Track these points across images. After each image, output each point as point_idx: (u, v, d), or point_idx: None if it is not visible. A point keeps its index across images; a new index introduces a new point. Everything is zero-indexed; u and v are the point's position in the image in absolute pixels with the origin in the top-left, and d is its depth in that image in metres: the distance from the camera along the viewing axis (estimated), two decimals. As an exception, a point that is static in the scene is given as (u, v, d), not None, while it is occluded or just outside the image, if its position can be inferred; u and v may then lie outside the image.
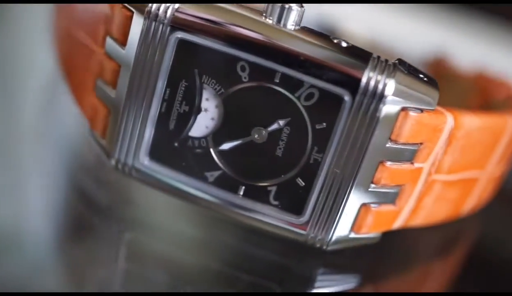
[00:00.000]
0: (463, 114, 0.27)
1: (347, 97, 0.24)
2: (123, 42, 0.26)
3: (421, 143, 0.25)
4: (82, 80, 0.29)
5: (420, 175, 0.26)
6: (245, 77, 0.25)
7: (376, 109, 0.24)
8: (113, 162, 0.27)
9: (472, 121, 0.27)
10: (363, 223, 0.26)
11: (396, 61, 0.25)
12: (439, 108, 0.25)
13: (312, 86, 0.24)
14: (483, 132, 0.28)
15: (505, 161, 0.32)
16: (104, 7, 0.27)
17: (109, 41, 0.27)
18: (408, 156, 0.26)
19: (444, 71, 0.42)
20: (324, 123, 0.25)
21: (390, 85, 0.24)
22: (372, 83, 0.24)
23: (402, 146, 0.25)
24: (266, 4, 0.25)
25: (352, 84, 0.24)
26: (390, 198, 0.26)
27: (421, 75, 0.25)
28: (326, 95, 0.24)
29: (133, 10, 0.25)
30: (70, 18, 0.30)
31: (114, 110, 0.26)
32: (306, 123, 0.25)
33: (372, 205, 0.26)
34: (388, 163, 0.25)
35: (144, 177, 0.27)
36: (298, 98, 0.25)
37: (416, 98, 0.25)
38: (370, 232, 0.27)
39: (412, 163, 0.26)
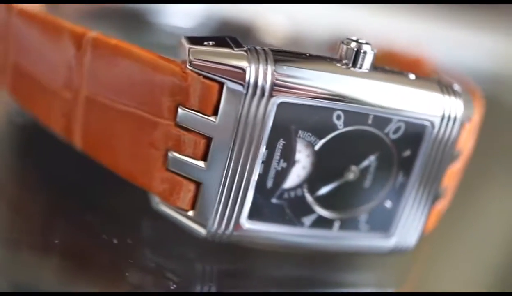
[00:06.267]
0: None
1: (429, 124, 0.27)
2: (210, 113, 0.25)
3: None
4: (139, 155, 0.27)
5: (457, 170, 0.31)
6: (340, 125, 0.26)
7: (452, 129, 0.27)
8: (207, 234, 0.26)
9: (476, 110, 0.32)
10: (430, 223, 0.30)
11: (447, 80, 0.28)
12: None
13: (400, 121, 0.27)
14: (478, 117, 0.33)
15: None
16: (165, 79, 0.25)
17: (183, 112, 0.25)
18: (457, 158, 0.30)
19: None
20: (409, 151, 0.27)
21: (460, 107, 0.27)
22: (448, 108, 0.27)
23: (457, 152, 0.29)
24: (341, 49, 0.26)
25: (434, 113, 0.27)
26: (442, 195, 0.30)
27: (459, 87, 0.29)
28: (411, 127, 0.27)
29: (222, 80, 0.24)
30: (97, 86, 0.27)
31: (208, 183, 0.26)
32: (393, 154, 0.27)
33: (435, 205, 0.30)
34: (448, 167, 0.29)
35: (243, 239, 0.27)
36: (387, 134, 0.27)
37: (471, 111, 0.28)
38: (430, 229, 0.31)
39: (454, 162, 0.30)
